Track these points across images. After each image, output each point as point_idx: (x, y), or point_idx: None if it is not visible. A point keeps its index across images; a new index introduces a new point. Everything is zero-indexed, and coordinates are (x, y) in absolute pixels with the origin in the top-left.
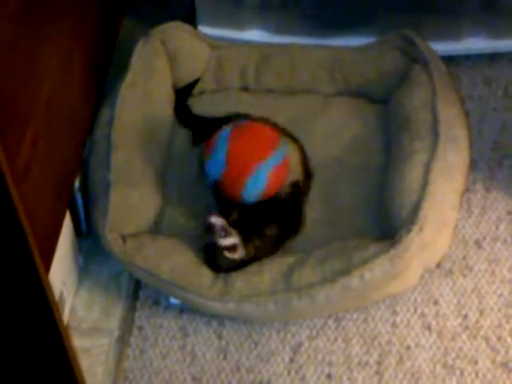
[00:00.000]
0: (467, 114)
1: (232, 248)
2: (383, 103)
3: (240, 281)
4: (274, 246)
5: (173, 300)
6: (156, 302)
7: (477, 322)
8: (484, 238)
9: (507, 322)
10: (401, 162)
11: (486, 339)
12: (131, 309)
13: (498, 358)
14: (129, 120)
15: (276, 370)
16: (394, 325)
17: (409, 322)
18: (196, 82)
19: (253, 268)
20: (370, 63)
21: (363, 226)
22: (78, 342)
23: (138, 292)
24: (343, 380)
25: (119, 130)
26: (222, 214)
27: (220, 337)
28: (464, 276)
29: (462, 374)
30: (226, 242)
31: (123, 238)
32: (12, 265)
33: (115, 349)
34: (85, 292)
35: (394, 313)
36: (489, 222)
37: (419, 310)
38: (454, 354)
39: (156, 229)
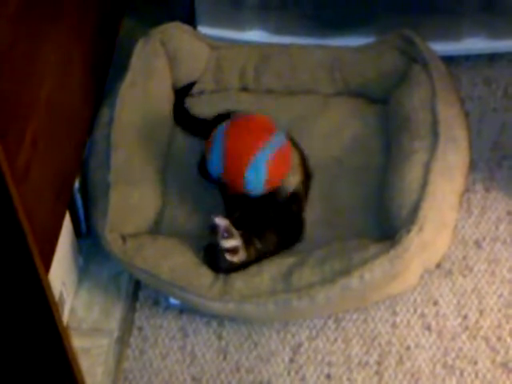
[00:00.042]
0: (467, 115)
1: (233, 250)
2: (383, 103)
3: (240, 281)
4: (274, 250)
5: (172, 300)
6: (156, 303)
7: (477, 322)
8: (484, 239)
9: (507, 323)
10: (400, 162)
11: (486, 339)
12: (131, 309)
13: (498, 359)
14: (128, 120)
15: (276, 370)
16: (394, 325)
17: (409, 322)
18: (192, 84)
19: (253, 268)
20: (369, 63)
21: (363, 227)
22: (77, 342)
23: (137, 292)
24: (343, 380)
25: (119, 130)
26: (229, 211)
27: (220, 337)
28: (464, 276)
29: (461, 374)
30: (228, 244)
31: (123, 239)
32: (12, 265)
33: (115, 349)
34: (84, 292)
35: (394, 313)
36: (488, 223)
37: (419, 311)
38: (453, 355)
39: (156, 229)
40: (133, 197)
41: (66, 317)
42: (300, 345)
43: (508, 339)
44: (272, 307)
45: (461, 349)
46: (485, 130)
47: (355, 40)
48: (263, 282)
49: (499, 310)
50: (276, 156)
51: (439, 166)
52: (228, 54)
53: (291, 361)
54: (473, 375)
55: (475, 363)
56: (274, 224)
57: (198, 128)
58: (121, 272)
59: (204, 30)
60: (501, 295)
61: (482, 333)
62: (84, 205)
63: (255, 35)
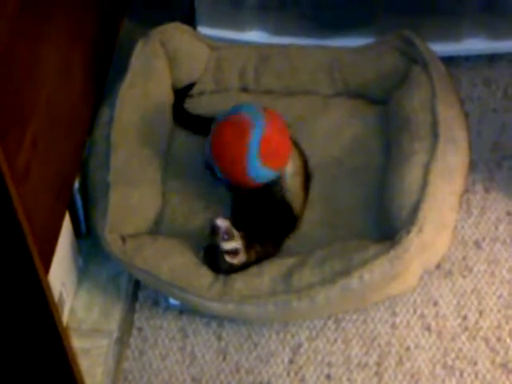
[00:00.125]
0: (467, 115)
1: (233, 252)
2: (382, 104)
3: (240, 282)
4: (273, 249)
5: (172, 301)
6: (155, 303)
7: (476, 322)
8: (483, 239)
9: (507, 323)
10: (400, 162)
11: (486, 340)
12: (131, 310)
13: (498, 359)
14: (128, 120)
15: (276, 370)
16: (394, 326)
17: (408, 322)
18: (192, 85)
19: (253, 269)
20: (369, 64)
21: (363, 227)
22: (77, 343)
23: (137, 293)
24: (343, 381)
25: (119, 130)
26: (236, 210)
27: (219, 338)
28: (463, 277)
29: (461, 374)
30: (228, 245)
31: (123, 239)
32: (11, 266)
33: (115, 350)
34: (84, 293)
35: (394, 314)
36: (488, 223)
37: (419, 311)
38: (453, 355)
39: (156, 229)
40: (133, 197)
41: (65, 317)
42: (300, 345)
43: (508, 340)
44: (272, 308)
45: (460, 349)
46: (484, 131)
47: (355, 41)
48: (263, 282)
49: (499, 311)
50: (265, 140)
51: (439, 167)
52: (228, 54)
53: (291, 361)
54: (472, 376)
55: (475, 364)
56: (266, 214)
57: (199, 126)
58: (120, 272)
59: (204, 30)
60: (500, 296)
61: (481, 333)
62: (84, 205)
63: (255, 36)
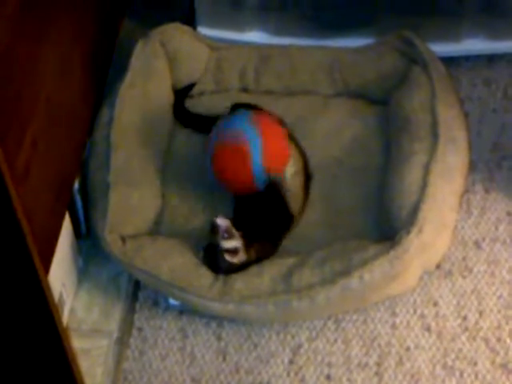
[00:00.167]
0: (466, 115)
1: (233, 251)
2: (382, 104)
3: (240, 282)
4: (271, 248)
5: (172, 301)
6: (155, 304)
7: (476, 323)
8: (483, 239)
9: (507, 324)
10: (400, 163)
11: (486, 340)
12: (130, 310)
13: (498, 360)
14: (128, 120)
15: (275, 371)
16: (394, 326)
17: (408, 323)
18: (192, 85)
19: (253, 269)
20: (369, 64)
21: (363, 227)
22: (77, 343)
23: (137, 293)
24: (343, 381)
25: (119, 130)
26: (238, 212)
27: (219, 338)
28: (463, 277)
29: (461, 375)
30: (228, 244)
31: (123, 239)
32: (11, 266)
33: (114, 350)
34: (84, 293)
35: (394, 314)
36: (488, 223)
37: (419, 312)
38: (453, 355)
39: (156, 229)
40: (132, 197)
41: (65, 318)
42: (300, 346)
43: (508, 340)
44: (272, 308)
45: (460, 350)
46: (484, 131)
47: (355, 41)
48: (263, 282)
49: (499, 311)
50: (265, 146)
51: (439, 168)
52: (228, 54)
53: (291, 362)
54: (472, 376)
55: (475, 364)
56: (262, 211)
57: (200, 124)
58: (120, 273)
59: (204, 30)
60: (500, 296)
61: (481, 334)
62: (84, 206)
63: (255, 36)
